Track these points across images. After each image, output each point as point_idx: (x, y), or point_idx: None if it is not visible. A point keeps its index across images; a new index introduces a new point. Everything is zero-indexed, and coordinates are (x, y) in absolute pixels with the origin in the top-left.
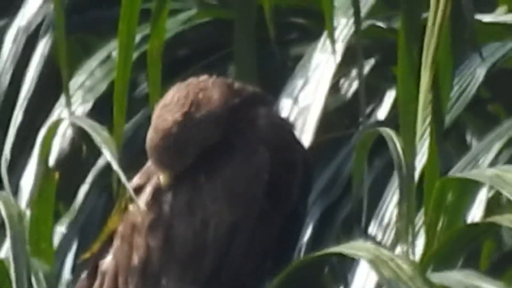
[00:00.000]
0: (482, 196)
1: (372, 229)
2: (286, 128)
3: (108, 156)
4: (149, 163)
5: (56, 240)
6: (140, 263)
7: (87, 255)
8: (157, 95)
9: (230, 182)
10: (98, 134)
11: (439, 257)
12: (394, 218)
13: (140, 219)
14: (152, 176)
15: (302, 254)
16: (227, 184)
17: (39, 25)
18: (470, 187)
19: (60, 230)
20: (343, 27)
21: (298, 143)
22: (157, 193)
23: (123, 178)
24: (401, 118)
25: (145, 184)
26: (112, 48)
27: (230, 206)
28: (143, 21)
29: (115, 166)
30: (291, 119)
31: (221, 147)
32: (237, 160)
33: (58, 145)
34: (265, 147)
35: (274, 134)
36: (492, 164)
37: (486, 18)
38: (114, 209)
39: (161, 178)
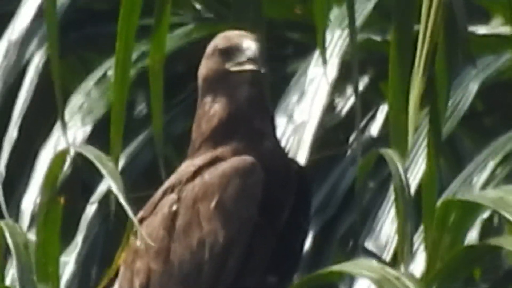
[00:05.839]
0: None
1: (367, 245)
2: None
3: (114, 189)
4: (155, 195)
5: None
6: (140, 286)
7: None
8: (159, 110)
9: (224, 202)
10: (104, 165)
11: (442, 277)
12: (391, 236)
13: (141, 245)
14: (156, 205)
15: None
16: (220, 204)
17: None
18: (472, 208)
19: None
20: (337, 39)
21: (294, 164)
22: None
23: (129, 213)
24: (392, 133)
25: (149, 216)
26: (108, 66)
27: (224, 225)
28: (140, 38)
29: (122, 199)
30: (286, 136)
31: (219, 167)
32: (233, 180)
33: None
34: (264, 166)
35: (276, 155)
36: (488, 181)
37: (481, 30)
38: (121, 246)
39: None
